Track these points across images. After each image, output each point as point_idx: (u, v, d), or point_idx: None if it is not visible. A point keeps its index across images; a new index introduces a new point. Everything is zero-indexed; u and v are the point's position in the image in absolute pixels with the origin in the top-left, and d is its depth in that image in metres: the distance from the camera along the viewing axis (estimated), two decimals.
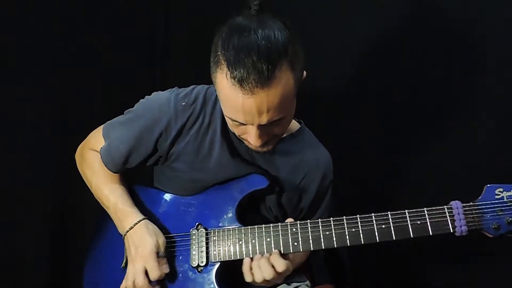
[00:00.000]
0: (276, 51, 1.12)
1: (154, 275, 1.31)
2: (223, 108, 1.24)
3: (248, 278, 1.29)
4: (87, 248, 1.53)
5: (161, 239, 1.36)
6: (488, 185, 1.23)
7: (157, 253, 1.33)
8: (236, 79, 1.12)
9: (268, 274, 1.25)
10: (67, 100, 1.82)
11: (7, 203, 1.70)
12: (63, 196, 1.86)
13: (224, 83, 1.16)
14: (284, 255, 1.28)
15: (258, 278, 1.27)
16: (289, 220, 1.31)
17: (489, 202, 1.21)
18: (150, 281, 1.33)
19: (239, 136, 1.28)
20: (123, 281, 1.36)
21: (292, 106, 1.25)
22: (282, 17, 1.19)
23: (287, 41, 1.15)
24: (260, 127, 1.20)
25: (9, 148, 1.70)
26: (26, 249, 1.75)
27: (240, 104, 1.15)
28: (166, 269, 1.34)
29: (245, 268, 1.29)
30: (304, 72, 1.24)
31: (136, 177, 1.51)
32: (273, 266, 1.26)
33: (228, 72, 1.13)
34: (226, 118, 1.25)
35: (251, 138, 1.22)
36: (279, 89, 1.14)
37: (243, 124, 1.21)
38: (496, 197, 1.22)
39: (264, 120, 1.17)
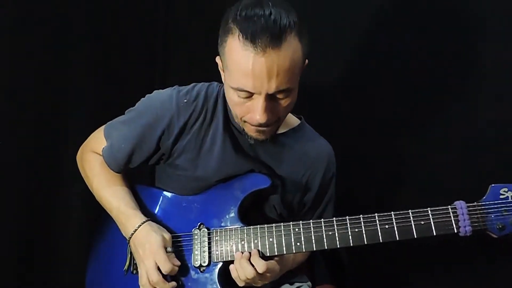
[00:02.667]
0: (286, 21, 1.16)
1: (166, 268, 1.30)
2: (231, 79, 1.22)
3: (238, 281, 1.30)
4: (88, 250, 1.52)
5: (167, 235, 1.35)
6: (493, 185, 1.23)
7: (165, 248, 1.32)
8: (248, 37, 1.14)
9: (249, 273, 1.26)
10: (67, 100, 1.81)
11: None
12: None
13: (235, 45, 1.17)
14: (267, 257, 1.29)
15: (242, 277, 1.27)
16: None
17: (494, 202, 1.22)
18: (164, 276, 1.31)
19: (241, 118, 1.27)
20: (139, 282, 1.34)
21: (297, 83, 1.25)
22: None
23: (296, 17, 1.19)
24: (268, 98, 1.19)
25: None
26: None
27: (250, 66, 1.15)
28: (176, 262, 1.32)
29: (232, 268, 1.30)
30: (306, 60, 1.26)
31: (137, 177, 1.50)
32: (253, 266, 1.26)
33: (241, 34, 1.16)
34: (232, 95, 1.23)
35: (258, 111, 1.20)
36: (289, 53, 1.16)
37: (250, 98, 1.20)
38: (501, 197, 1.22)
39: (272, 86, 1.17)
